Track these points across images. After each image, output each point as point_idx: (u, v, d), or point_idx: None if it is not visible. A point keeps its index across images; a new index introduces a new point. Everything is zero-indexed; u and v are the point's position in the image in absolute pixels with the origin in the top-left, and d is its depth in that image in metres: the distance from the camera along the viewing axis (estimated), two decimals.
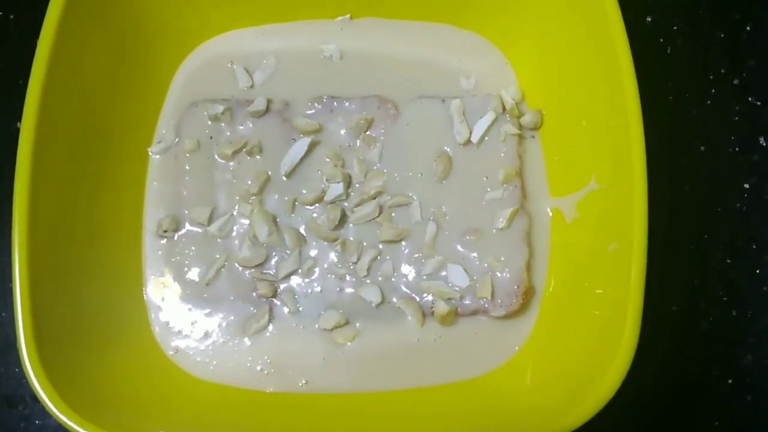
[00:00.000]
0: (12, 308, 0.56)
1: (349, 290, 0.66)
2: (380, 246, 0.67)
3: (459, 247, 0.67)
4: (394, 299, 0.66)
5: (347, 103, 0.70)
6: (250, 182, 0.68)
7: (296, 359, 0.65)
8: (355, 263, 0.67)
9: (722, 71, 0.78)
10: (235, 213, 0.68)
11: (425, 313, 0.66)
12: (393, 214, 0.68)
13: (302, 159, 0.69)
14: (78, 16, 0.61)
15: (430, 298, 0.66)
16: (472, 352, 0.66)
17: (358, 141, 0.70)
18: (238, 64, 0.73)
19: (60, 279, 0.60)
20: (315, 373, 0.65)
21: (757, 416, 0.71)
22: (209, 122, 0.70)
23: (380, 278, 0.66)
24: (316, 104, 0.70)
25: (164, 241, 0.68)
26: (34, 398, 0.68)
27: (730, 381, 0.71)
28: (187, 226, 0.68)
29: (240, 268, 0.67)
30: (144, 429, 0.59)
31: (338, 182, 0.68)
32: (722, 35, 0.79)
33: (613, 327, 0.56)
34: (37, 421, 0.70)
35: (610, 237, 0.60)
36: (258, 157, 0.69)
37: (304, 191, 0.68)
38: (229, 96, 0.72)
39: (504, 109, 0.70)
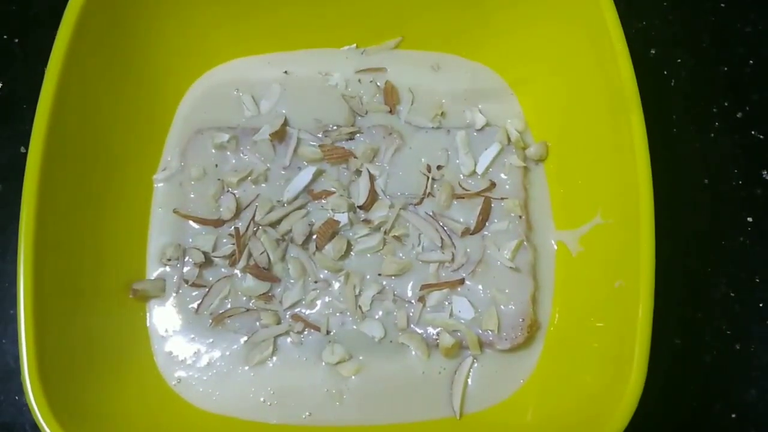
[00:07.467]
0: (12, 336, 0.56)
1: (351, 325, 0.66)
2: (383, 282, 0.67)
3: (464, 279, 0.67)
4: (399, 334, 0.65)
5: (353, 133, 0.70)
6: (254, 210, 0.68)
7: (300, 391, 0.65)
8: (358, 296, 0.66)
9: (726, 104, 0.78)
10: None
11: (429, 344, 0.66)
12: (396, 246, 0.68)
13: (307, 187, 0.69)
14: (85, 45, 0.61)
15: (433, 330, 0.66)
16: (477, 385, 0.65)
17: (363, 170, 0.69)
18: (244, 92, 0.73)
19: (64, 307, 0.59)
20: (318, 406, 0.64)
21: None
22: (214, 150, 0.70)
23: (382, 313, 0.66)
24: (321, 133, 0.71)
25: (168, 268, 0.68)
26: (35, 427, 0.67)
27: (733, 415, 0.71)
28: (192, 255, 0.68)
29: (244, 298, 0.67)
30: None
31: (343, 212, 0.68)
32: (726, 69, 0.79)
33: (620, 365, 0.55)
34: None
35: (616, 273, 0.59)
36: (263, 185, 0.69)
37: (313, 220, 0.68)
38: (235, 124, 0.72)
39: (509, 140, 0.70)
